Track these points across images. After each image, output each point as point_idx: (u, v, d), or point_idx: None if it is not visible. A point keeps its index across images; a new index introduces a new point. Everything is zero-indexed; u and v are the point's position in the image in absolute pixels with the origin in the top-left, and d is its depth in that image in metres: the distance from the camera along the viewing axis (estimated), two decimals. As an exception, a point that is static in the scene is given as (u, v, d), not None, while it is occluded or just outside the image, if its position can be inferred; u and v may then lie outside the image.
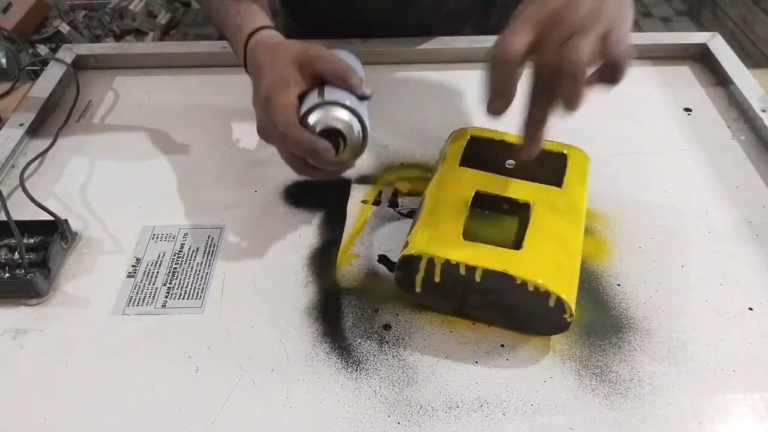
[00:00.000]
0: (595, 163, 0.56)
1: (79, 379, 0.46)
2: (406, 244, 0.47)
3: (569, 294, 0.44)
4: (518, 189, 0.51)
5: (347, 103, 0.50)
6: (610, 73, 0.43)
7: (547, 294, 0.43)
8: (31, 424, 0.44)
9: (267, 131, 0.51)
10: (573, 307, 0.44)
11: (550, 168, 0.53)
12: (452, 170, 0.53)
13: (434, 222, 0.48)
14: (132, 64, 0.78)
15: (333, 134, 0.50)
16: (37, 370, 0.47)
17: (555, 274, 0.44)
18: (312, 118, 0.49)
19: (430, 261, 0.45)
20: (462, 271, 0.45)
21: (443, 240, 0.46)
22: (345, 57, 0.57)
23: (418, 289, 0.47)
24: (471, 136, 0.56)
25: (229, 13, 0.59)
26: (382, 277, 0.53)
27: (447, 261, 0.45)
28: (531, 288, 0.43)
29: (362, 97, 0.52)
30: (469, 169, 0.53)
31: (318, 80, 0.52)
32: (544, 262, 0.45)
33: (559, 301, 0.44)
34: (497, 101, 0.47)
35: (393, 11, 0.77)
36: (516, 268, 0.44)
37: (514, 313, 0.47)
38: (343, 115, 0.50)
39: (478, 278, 0.44)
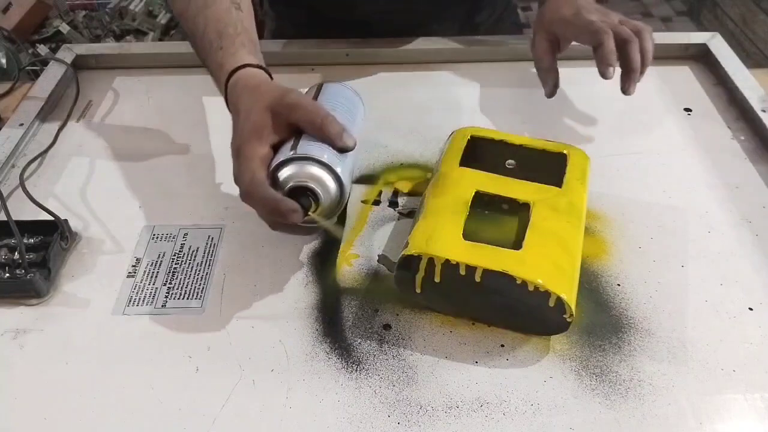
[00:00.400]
0: (595, 163, 0.56)
1: (79, 379, 0.46)
2: (406, 244, 0.47)
3: (569, 294, 0.44)
4: (518, 189, 0.51)
5: (323, 158, 0.46)
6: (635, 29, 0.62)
7: (547, 294, 0.43)
8: (31, 424, 0.44)
9: (236, 181, 0.48)
10: (573, 307, 0.44)
11: (550, 168, 0.53)
12: (452, 170, 0.53)
13: (434, 222, 0.48)
14: (132, 64, 0.78)
15: (304, 192, 0.46)
16: (37, 370, 0.47)
17: (555, 274, 0.44)
18: (282, 174, 0.46)
19: (430, 261, 0.45)
20: (462, 271, 0.45)
21: (443, 240, 0.46)
22: (335, 94, 0.54)
23: (418, 289, 0.47)
24: (471, 136, 0.56)
25: (211, 48, 0.55)
26: (382, 277, 0.53)
27: (447, 261, 0.45)
28: (531, 288, 0.43)
29: (342, 150, 0.48)
30: (469, 169, 0.53)
31: (296, 130, 0.48)
32: (544, 262, 0.45)
33: (559, 301, 0.44)
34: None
35: (387, 8, 0.77)
36: (516, 268, 0.44)
37: (514, 313, 0.47)
38: (315, 171, 0.46)
39: (478, 278, 0.44)
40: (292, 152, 0.46)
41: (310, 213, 0.46)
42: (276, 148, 0.48)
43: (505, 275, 0.44)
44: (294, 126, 0.48)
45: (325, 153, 0.47)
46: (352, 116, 0.54)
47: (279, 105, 0.48)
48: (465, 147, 0.55)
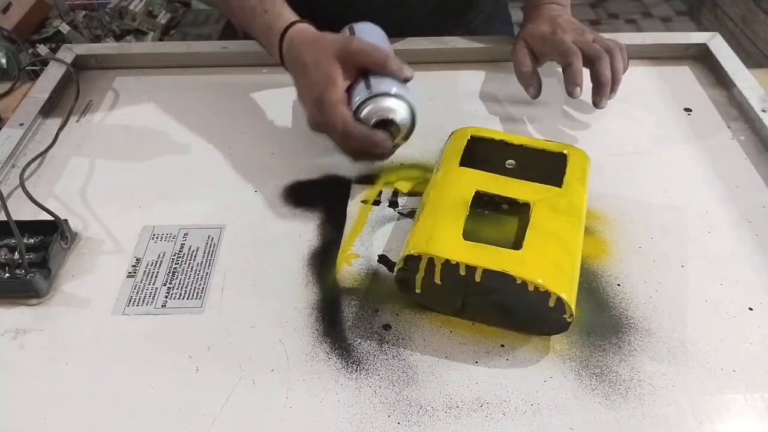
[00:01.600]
0: (595, 163, 0.56)
1: (79, 379, 0.46)
2: (406, 244, 0.47)
3: (569, 294, 0.44)
4: (518, 189, 0.51)
5: (394, 90, 0.54)
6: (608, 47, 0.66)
7: (547, 294, 0.43)
8: (31, 424, 0.44)
9: (322, 126, 0.55)
10: (573, 307, 0.44)
11: (550, 168, 0.53)
12: (452, 170, 0.53)
13: (434, 222, 0.48)
14: (132, 64, 0.78)
15: (386, 123, 0.54)
16: (37, 370, 0.47)
17: (555, 274, 0.45)
18: (364, 112, 0.54)
19: (430, 261, 0.45)
20: (462, 271, 0.45)
21: (443, 240, 0.46)
22: (371, 34, 0.61)
23: (418, 290, 0.47)
24: (471, 136, 0.56)
25: (255, 13, 0.60)
26: (382, 277, 0.53)
27: (447, 261, 0.45)
28: (531, 288, 0.44)
29: (405, 80, 0.55)
30: (469, 169, 0.53)
31: (361, 71, 0.55)
32: (544, 262, 0.45)
33: (559, 301, 0.44)
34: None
35: (384, 4, 0.77)
36: (516, 268, 0.44)
37: (514, 313, 0.47)
38: (392, 104, 0.54)
39: (478, 278, 0.44)
40: (368, 92, 0.54)
41: (395, 139, 0.55)
42: (348, 91, 0.55)
43: (505, 275, 0.44)
44: (361, 68, 0.55)
45: (394, 86, 0.54)
46: (388, 46, 0.61)
47: (345, 52, 0.54)
48: (465, 147, 0.55)
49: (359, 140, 0.54)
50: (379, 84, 0.54)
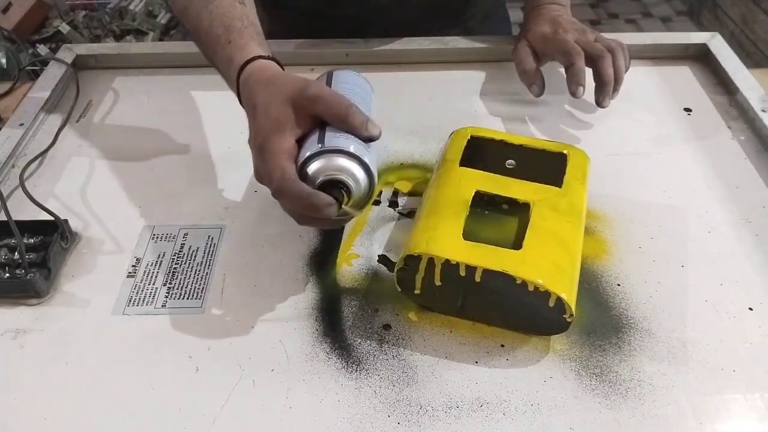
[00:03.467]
0: (595, 163, 0.56)
1: (79, 379, 0.46)
2: (406, 244, 0.47)
3: (569, 294, 0.44)
4: (518, 189, 0.51)
5: (351, 149, 0.45)
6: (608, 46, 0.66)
7: (547, 294, 0.43)
8: (31, 424, 0.44)
9: (263, 178, 0.47)
10: (573, 307, 0.44)
11: (550, 168, 0.53)
12: (452, 170, 0.53)
13: (434, 222, 0.48)
14: (132, 64, 0.78)
15: (335, 185, 0.45)
16: (37, 370, 0.47)
17: (555, 274, 0.45)
18: (311, 168, 0.45)
19: (430, 261, 0.45)
20: (462, 272, 0.45)
21: (443, 240, 0.46)
22: (350, 83, 0.53)
23: (417, 290, 0.47)
24: (471, 136, 0.56)
25: (219, 43, 0.53)
26: (382, 277, 0.53)
27: (447, 261, 0.45)
28: (531, 288, 0.44)
29: (368, 140, 0.47)
30: (469, 169, 0.53)
31: (318, 121, 0.47)
32: (544, 262, 0.45)
33: (559, 301, 0.44)
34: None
35: (377, 6, 0.77)
36: (516, 268, 0.44)
37: (514, 313, 0.47)
38: (345, 163, 0.45)
39: (478, 278, 0.44)
40: (319, 145, 0.45)
41: (343, 206, 0.45)
42: (299, 142, 0.47)
43: (505, 275, 0.44)
44: (316, 118, 0.47)
45: (352, 144, 0.46)
46: (366, 103, 0.53)
47: (300, 98, 0.46)
48: (465, 147, 0.55)
49: (296, 200, 0.44)
50: (335, 139, 0.46)
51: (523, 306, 0.45)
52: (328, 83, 0.53)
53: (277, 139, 0.45)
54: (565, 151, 0.54)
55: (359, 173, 0.45)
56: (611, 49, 0.65)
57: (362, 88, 0.54)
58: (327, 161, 0.45)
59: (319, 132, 0.47)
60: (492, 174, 0.52)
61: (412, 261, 0.46)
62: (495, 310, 0.47)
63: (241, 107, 0.51)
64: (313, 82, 0.49)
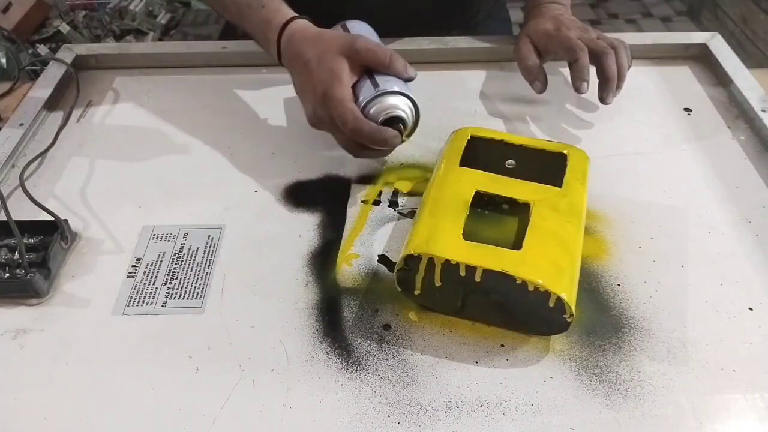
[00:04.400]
0: (595, 163, 0.56)
1: (79, 379, 0.46)
2: (406, 244, 0.47)
3: (569, 294, 0.44)
4: (518, 189, 0.51)
5: (399, 89, 0.55)
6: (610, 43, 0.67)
7: (547, 294, 0.43)
8: (31, 424, 0.44)
9: (326, 124, 0.55)
10: (573, 307, 0.44)
11: (550, 168, 0.53)
12: (452, 170, 0.53)
13: (434, 222, 0.48)
14: (132, 64, 0.78)
15: (394, 120, 0.55)
16: (37, 370, 0.47)
17: (555, 274, 0.44)
18: (373, 109, 0.54)
19: (430, 261, 0.45)
20: (462, 272, 0.45)
21: (443, 240, 0.46)
22: (365, 32, 0.62)
23: (417, 290, 0.47)
24: (471, 136, 0.56)
25: (251, 7, 0.59)
26: (382, 277, 0.53)
27: (447, 261, 0.45)
28: (531, 288, 0.44)
29: (408, 80, 0.57)
30: (469, 169, 0.53)
31: (364, 69, 0.56)
32: (544, 263, 0.45)
33: (559, 302, 0.44)
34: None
35: (381, 8, 0.77)
36: (516, 268, 0.44)
37: (514, 313, 0.47)
38: (399, 102, 0.55)
39: (478, 278, 0.44)
40: (376, 90, 0.55)
41: (402, 136, 0.55)
42: (352, 88, 0.55)
43: (505, 275, 0.44)
44: (364, 66, 0.56)
45: (397, 85, 0.55)
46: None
47: (351, 50, 0.54)
48: (465, 147, 0.55)
49: (370, 137, 0.53)
50: (386, 82, 0.55)
51: (523, 306, 0.45)
52: (346, 32, 0.62)
53: (339, 87, 0.53)
54: (565, 151, 0.54)
55: (410, 107, 0.56)
56: (614, 46, 0.65)
57: (374, 34, 0.64)
58: (385, 101, 0.55)
59: (370, 78, 0.56)
60: (492, 174, 0.52)
61: (412, 261, 0.46)
62: (495, 310, 0.47)
63: (281, 65, 0.59)
64: (358, 36, 0.57)
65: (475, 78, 0.75)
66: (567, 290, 0.44)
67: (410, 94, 0.56)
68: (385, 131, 0.53)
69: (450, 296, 0.47)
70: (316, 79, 0.54)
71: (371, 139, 0.53)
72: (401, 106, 0.55)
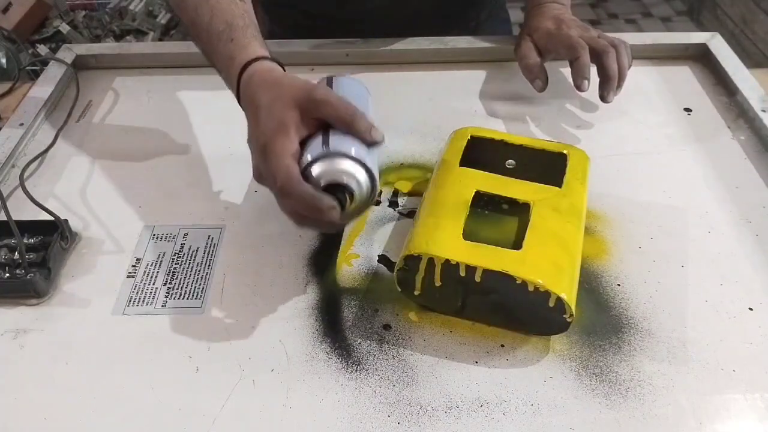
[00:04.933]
0: (595, 163, 0.56)
1: (79, 379, 0.46)
2: (406, 244, 0.47)
3: (569, 294, 0.44)
4: (518, 189, 0.51)
5: (354, 153, 0.45)
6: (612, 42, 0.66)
7: (547, 294, 0.43)
8: (31, 424, 0.44)
9: (264, 179, 0.48)
10: (573, 307, 0.44)
11: (550, 168, 0.53)
12: (452, 170, 0.53)
13: (434, 222, 0.48)
14: (132, 64, 0.78)
15: (338, 189, 0.45)
16: (37, 370, 0.47)
17: (555, 274, 0.44)
18: (315, 170, 0.45)
19: (430, 261, 0.45)
20: (462, 272, 0.45)
21: (443, 240, 0.46)
22: (351, 89, 0.53)
23: (417, 290, 0.47)
24: (471, 136, 0.56)
25: (220, 39, 0.53)
26: (382, 277, 0.53)
27: (447, 261, 0.45)
28: (531, 288, 0.44)
29: (372, 144, 0.47)
30: (469, 169, 0.53)
31: (322, 124, 0.47)
32: (544, 262, 0.45)
33: (559, 301, 0.44)
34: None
35: (378, 5, 0.77)
36: (516, 268, 0.44)
37: (514, 313, 0.47)
38: (350, 167, 0.45)
39: (478, 278, 0.44)
40: (324, 148, 0.45)
41: (345, 209, 0.45)
42: (301, 144, 0.46)
43: (505, 275, 0.44)
44: (320, 121, 0.47)
45: (355, 147, 0.46)
46: (366, 109, 0.52)
47: (307, 100, 0.46)
48: (465, 147, 0.55)
49: (300, 201, 0.44)
50: (341, 143, 0.46)
51: (523, 306, 0.45)
52: (328, 85, 0.53)
53: (282, 140, 0.45)
54: (565, 151, 0.54)
55: (362, 177, 0.45)
56: (614, 45, 0.66)
57: (362, 95, 0.53)
58: (331, 164, 0.45)
59: (323, 135, 0.47)
60: (492, 174, 0.52)
61: (411, 261, 0.46)
62: (495, 310, 0.47)
63: (239, 106, 0.51)
64: (320, 85, 0.49)
65: (475, 78, 0.75)
66: (567, 290, 0.44)
67: (368, 164, 0.45)
68: (320, 199, 0.43)
69: (450, 296, 0.47)
70: (261, 128, 0.47)
71: (303, 205, 0.44)
72: (350, 173, 0.45)
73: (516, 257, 0.45)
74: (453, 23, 0.83)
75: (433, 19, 0.81)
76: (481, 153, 0.55)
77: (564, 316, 0.44)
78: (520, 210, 0.50)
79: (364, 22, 0.78)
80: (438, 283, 0.46)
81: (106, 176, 0.63)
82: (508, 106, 0.70)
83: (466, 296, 0.47)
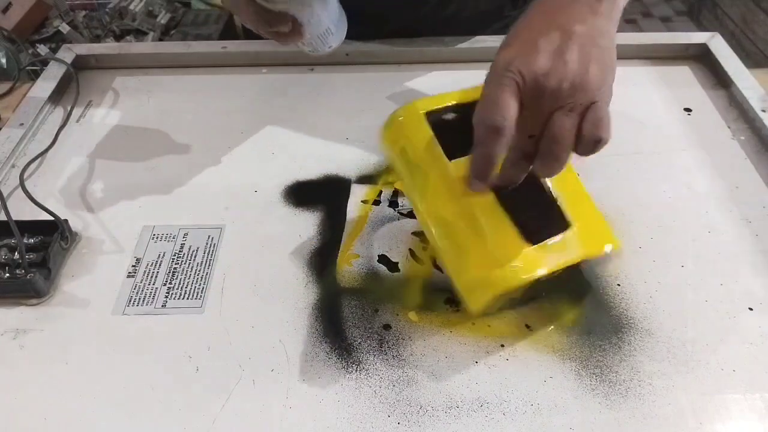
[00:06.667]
0: (595, 163, 0.56)
1: (79, 379, 0.46)
2: (470, 296, 0.43)
3: (615, 240, 0.45)
4: None
5: None
6: (585, 148, 0.39)
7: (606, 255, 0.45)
8: (31, 423, 0.44)
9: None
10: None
11: None
12: (445, 173, 0.44)
13: (481, 252, 0.42)
14: (132, 64, 0.78)
15: None
16: (37, 370, 0.47)
17: (606, 231, 0.45)
18: None
19: (503, 294, 0.43)
20: (540, 278, 0.43)
21: (512, 263, 0.41)
22: None
23: (495, 310, 0.48)
24: (428, 116, 0.45)
25: None
26: (382, 277, 0.53)
27: (521, 282, 0.42)
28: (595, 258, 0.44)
29: None
30: (461, 159, 0.43)
31: None
32: (595, 227, 0.45)
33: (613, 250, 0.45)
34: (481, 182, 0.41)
35: (395, 8, 0.77)
36: (585, 251, 0.44)
37: (561, 280, 0.47)
38: None
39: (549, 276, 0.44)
40: None
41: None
42: None
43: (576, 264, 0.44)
44: None
45: None
46: None
47: None
48: (433, 135, 0.45)
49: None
50: None
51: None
52: None
53: None
54: None
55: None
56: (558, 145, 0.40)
57: None
58: None
59: None
60: None
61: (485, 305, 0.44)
62: (544, 288, 0.47)
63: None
64: None
65: (475, 78, 0.74)
66: (615, 239, 0.45)
67: None
68: None
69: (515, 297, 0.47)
70: None
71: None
72: None
73: (575, 238, 0.44)
74: (481, 29, 0.79)
75: (443, 22, 0.79)
76: (451, 132, 0.44)
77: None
78: (534, 184, 0.45)
79: (384, 18, 0.76)
80: (516, 296, 0.46)
81: (106, 176, 0.63)
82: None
83: (526, 291, 0.46)
